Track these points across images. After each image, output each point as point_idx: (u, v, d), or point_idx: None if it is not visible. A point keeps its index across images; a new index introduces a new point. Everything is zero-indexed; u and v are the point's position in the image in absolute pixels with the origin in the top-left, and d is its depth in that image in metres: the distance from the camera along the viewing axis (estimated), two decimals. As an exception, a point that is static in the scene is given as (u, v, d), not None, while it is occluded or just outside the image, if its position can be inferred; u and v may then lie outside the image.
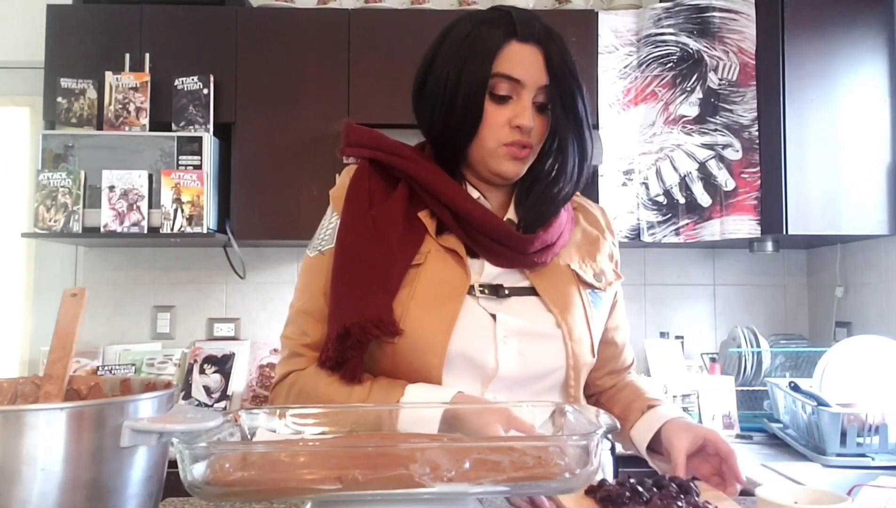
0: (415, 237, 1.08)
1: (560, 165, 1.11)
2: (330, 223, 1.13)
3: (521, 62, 1.05)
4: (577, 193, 1.23)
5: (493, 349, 1.05)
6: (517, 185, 1.15)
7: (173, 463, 0.70)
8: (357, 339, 1.00)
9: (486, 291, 1.07)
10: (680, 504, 0.85)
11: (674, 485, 0.89)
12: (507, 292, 1.08)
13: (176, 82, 2.57)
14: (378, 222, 1.07)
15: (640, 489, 0.87)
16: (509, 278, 1.10)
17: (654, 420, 1.10)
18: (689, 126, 2.59)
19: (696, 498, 0.88)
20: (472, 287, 1.07)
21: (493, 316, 1.06)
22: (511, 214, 1.14)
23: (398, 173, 1.11)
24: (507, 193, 1.16)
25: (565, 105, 1.07)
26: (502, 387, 1.06)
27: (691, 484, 0.89)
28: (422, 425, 0.93)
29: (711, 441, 1.03)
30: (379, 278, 1.03)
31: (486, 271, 1.09)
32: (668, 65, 2.62)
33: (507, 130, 1.06)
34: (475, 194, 1.12)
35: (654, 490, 0.88)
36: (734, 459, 1.01)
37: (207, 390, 2.66)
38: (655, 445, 1.09)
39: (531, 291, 1.10)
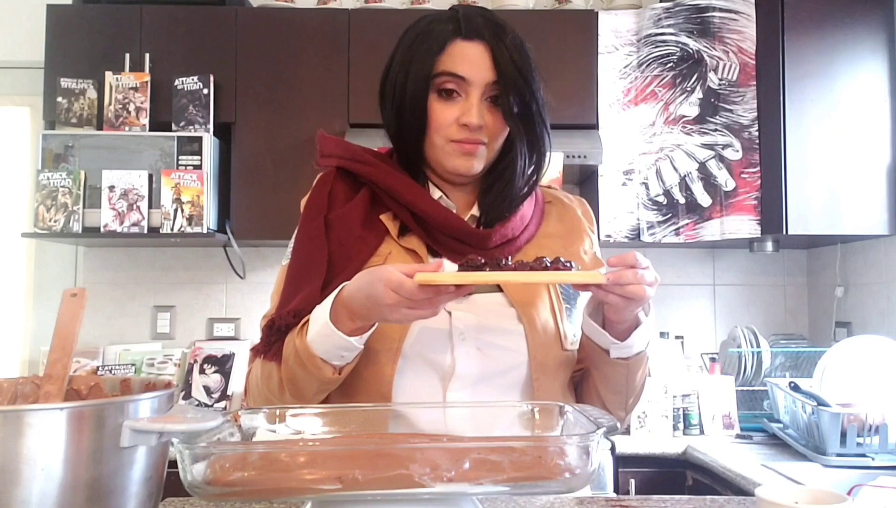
0: (374, 239, 1.08)
1: (512, 161, 1.11)
2: (297, 231, 1.15)
3: (466, 60, 1.05)
4: (555, 187, 1.24)
5: (449, 347, 1.04)
6: (481, 182, 1.15)
7: (173, 463, 0.70)
8: (278, 327, 1.02)
9: None
10: (533, 265, 0.87)
11: (544, 261, 0.89)
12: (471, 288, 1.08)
13: (176, 82, 2.57)
14: (333, 225, 1.08)
15: (503, 262, 0.89)
16: None
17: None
18: (689, 126, 2.60)
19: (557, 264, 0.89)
20: None
21: (450, 313, 1.05)
22: (475, 211, 1.14)
23: (361, 179, 1.13)
24: (472, 191, 1.16)
25: (514, 101, 1.06)
26: (463, 385, 1.05)
27: (563, 261, 0.89)
28: (320, 313, 0.95)
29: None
30: (317, 276, 1.04)
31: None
32: (668, 65, 2.62)
33: (455, 128, 1.06)
34: (437, 193, 1.12)
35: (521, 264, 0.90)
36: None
37: (207, 390, 2.66)
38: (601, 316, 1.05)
39: (496, 287, 1.09)
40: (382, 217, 1.10)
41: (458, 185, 1.14)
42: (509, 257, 0.92)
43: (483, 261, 0.89)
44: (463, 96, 1.06)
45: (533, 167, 1.12)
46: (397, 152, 1.13)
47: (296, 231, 1.15)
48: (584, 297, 1.17)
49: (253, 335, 2.89)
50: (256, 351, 1.06)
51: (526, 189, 1.12)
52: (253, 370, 1.10)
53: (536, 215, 1.17)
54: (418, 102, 1.06)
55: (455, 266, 0.92)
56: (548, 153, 1.12)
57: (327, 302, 0.96)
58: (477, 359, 1.05)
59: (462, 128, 1.06)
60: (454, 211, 1.12)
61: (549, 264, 0.89)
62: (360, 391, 1.03)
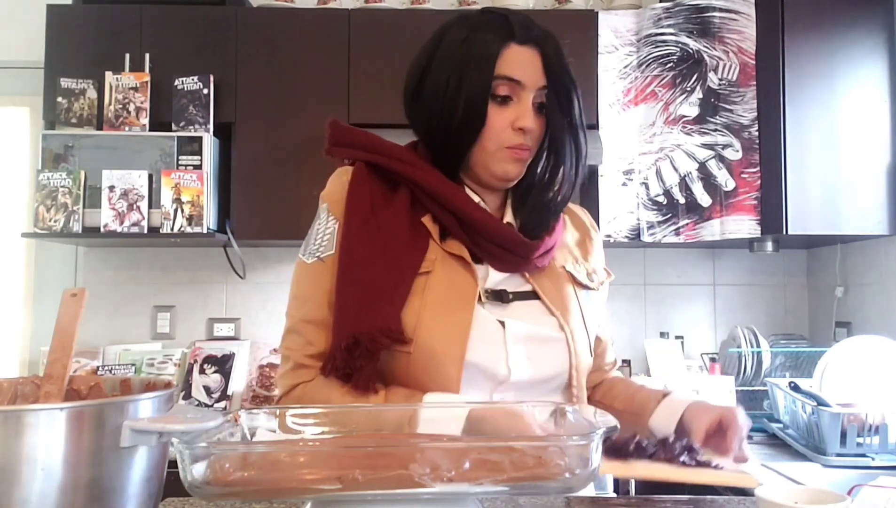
0: (420, 244, 1.07)
1: (554, 166, 1.11)
2: (327, 228, 1.10)
3: (521, 64, 1.04)
4: None
5: (504, 356, 1.05)
6: (511, 187, 1.14)
7: (173, 463, 0.70)
8: (366, 348, 0.99)
9: (491, 296, 1.07)
10: (683, 458, 0.89)
11: (678, 444, 0.94)
12: (510, 296, 1.08)
13: (176, 82, 2.57)
14: (382, 229, 1.05)
15: (644, 443, 0.92)
16: (512, 282, 1.10)
17: (675, 407, 1.09)
18: (689, 126, 2.59)
19: (699, 456, 0.93)
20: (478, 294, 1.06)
21: (502, 323, 1.06)
22: (509, 216, 1.14)
23: (398, 178, 1.10)
24: (501, 195, 1.16)
25: (562, 106, 1.07)
26: (509, 391, 1.06)
27: (694, 446, 0.94)
28: (445, 426, 0.92)
29: (726, 418, 1.03)
30: (386, 287, 1.02)
31: (490, 277, 1.09)
32: (668, 65, 2.62)
33: (509, 133, 1.06)
34: (475, 198, 1.11)
35: (659, 446, 0.94)
36: (733, 433, 1.01)
37: (207, 390, 2.66)
38: (678, 431, 1.09)
39: (533, 294, 1.10)
40: (424, 220, 1.08)
41: (492, 189, 1.13)
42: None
43: (630, 448, 0.94)
44: (515, 100, 1.05)
45: (574, 173, 1.11)
46: (435, 154, 1.10)
47: (328, 227, 1.10)
48: (599, 303, 1.19)
49: (253, 334, 2.89)
50: (332, 371, 1.01)
51: (567, 194, 1.12)
52: (312, 391, 1.04)
53: (562, 222, 1.18)
54: (477, 108, 1.04)
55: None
56: (585, 157, 1.12)
57: (455, 419, 0.92)
58: (527, 367, 1.06)
59: (517, 132, 1.06)
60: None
61: (697, 462, 0.95)
62: None
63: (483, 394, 1.05)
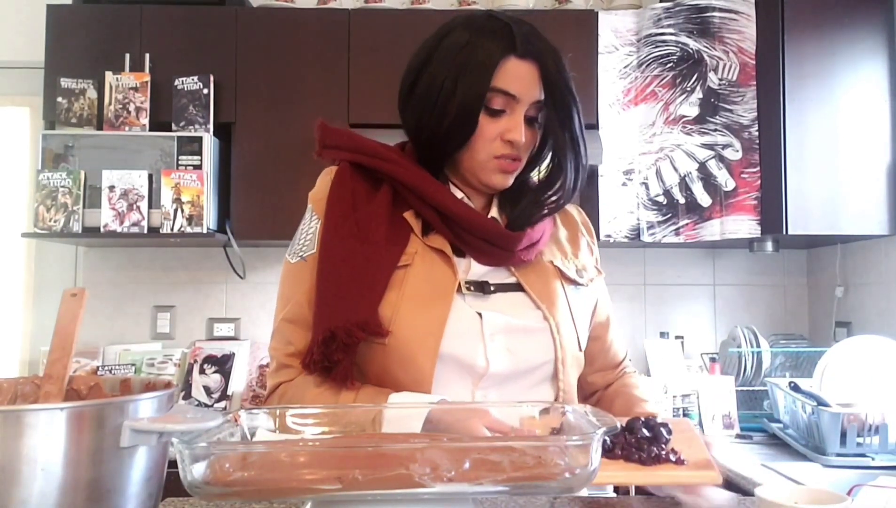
0: (400, 238, 1.07)
1: (554, 175, 1.12)
2: (310, 227, 1.11)
3: (519, 78, 1.04)
4: None
5: (482, 348, 1.05)
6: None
7: (173, 463, 0.70)
8: (343, 342, 0.99)
9: (472, 288, 1.08)
10: (642, 454, 0.86)
11: (644, 430, 0.89)
12: (492, 288, 1.08)
13: (176, 82, 2.57)
14: (362, 224, 1.06)
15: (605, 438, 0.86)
16: (495, 275, 1.11)
17: None
18: (689, 126, 2.59)
19: (664, 446, 0.88)
20: (458, 285, 1.07)
21: (480, 314, 1.06)
22: (494, 212, 1.15)
23: (381, 176, 1.11)
24: (488, 194, 1.17)
25: (561, 121, 1.07)
26: (492, 384, 1.06)
27: (661, 430, 0.89)
28: (406, 423, 0.92)
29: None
30: (364, 281, 1.03)
31: (472, 270, 1.10)
32: (668, 65, 2.62)
33: (498, 144, 1.06)
34: (459, 194, 1.12)
35: (625, 434, 0.88)
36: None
37: (207, 390, 2.66)
38: None
39: (517, 287, 1.10)
40: (406, 215, 1.09)
41: (477, 191, 1.14)
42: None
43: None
44: (508, 113, 1.05)
45: (573, 184, 1.12)
46: (422, 154, 1.11)
47: (311, 227, 1.11)
48: (589, 299, 1.18)
49: (253, 334, 2.89)
50: (311, 366, 1.02)
51: (564, 202, 1.13)
52: (292, 389, 1.06)
53: (550, 219, 1.18)
54: (468, 116, 1.04)
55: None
56: (585, 167, 1.12)
57: (416, 420, 0.92)
58: (507, 359, 1.06)
59: (506, 144, 1.06)
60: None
61: (657, 457, 0.87)
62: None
63: (464, 388, 1.05)
